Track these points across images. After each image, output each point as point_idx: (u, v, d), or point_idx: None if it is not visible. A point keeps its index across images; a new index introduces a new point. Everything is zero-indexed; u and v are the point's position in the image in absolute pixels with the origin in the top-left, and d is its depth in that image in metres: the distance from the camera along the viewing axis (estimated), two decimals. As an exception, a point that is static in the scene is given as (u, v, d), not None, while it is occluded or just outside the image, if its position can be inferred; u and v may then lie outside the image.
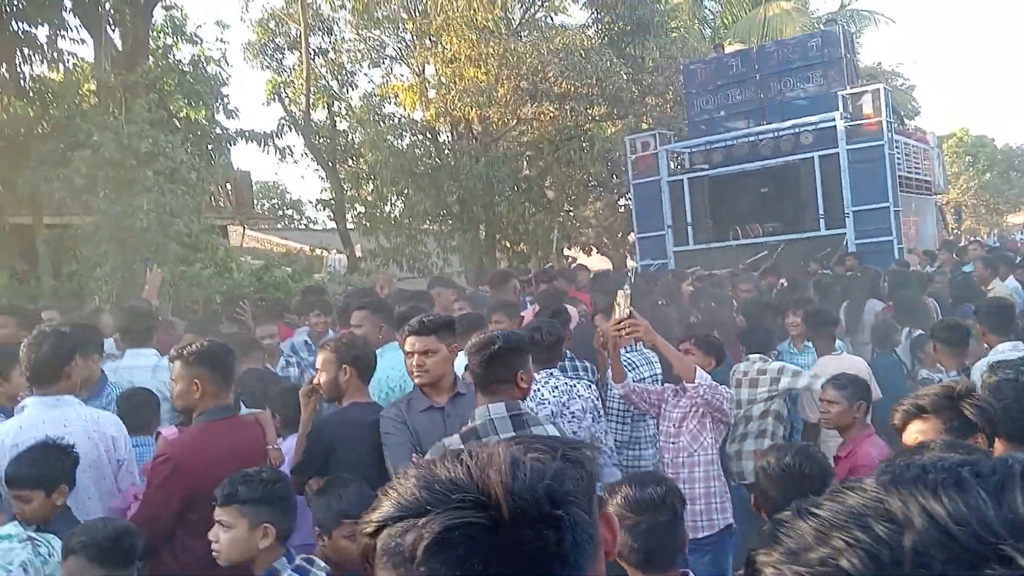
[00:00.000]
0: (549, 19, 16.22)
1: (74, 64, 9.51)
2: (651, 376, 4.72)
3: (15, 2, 9.20)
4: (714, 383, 4.06)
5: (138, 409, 3.91)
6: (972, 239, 14.49)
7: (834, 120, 11.53)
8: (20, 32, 9.30)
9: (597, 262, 17.62)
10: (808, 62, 12.93)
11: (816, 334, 5.51)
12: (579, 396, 3.89)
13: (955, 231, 25.49)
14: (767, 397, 4.86)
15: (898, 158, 11.93)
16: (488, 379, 2.94)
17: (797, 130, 12.05)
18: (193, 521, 2.96)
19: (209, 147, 11.49)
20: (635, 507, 2.33)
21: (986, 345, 4.72)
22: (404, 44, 16.01)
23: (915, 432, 2.39)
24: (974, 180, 34.19)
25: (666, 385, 4.37)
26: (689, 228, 12.71)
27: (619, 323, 3.80)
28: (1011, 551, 0.56)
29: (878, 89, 11.65)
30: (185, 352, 3.19)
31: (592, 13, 16.79)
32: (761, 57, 13.60)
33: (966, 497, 0.60)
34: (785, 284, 8.37)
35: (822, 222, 11.53)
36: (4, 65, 9.30)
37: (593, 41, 14.77)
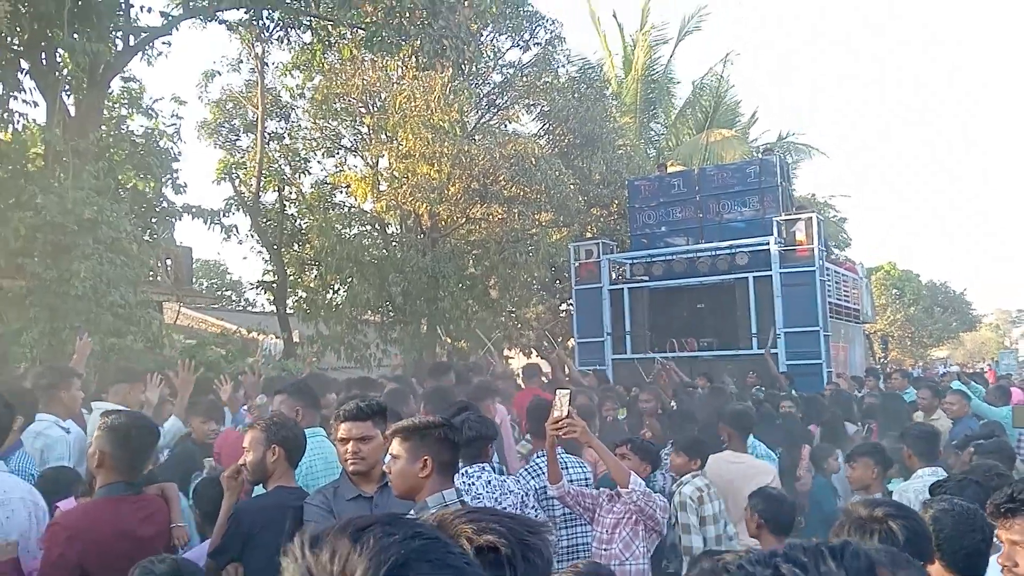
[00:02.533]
0: (503, 126, 16.75)
1: (24, 126, 9.41)
2: (582, 480, 4.70)
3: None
4: (648, 490, 4.06)
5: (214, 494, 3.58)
6: (896, 368, 15.00)
7: (768, 244, 12.02)
8: (-30, 90, 9.20)
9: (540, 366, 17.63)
10: (746, 187, 13.56)
11: (736, 432, 5.37)
12: (510, 492, 3.84)
13: (882, 360, 26.40)
14: None
15: (829, 285, 12.44)
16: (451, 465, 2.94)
17: (733, 250, 12.52)
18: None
19: (153, 220, 11.37)
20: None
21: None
22: (360, 136, 16.28)
23: None
24: (900, 312, 35.62)
25: (602, 489, 4.34)
26: (627, 337, 12.94)
27: (557, 422, 3.80)
28: None
29: (811, 217, 12.23)
30: (100, 424, 3.12)
31: (544, 125, 17.44)
32: (702, 179, 14.23)
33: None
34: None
35: (754, 341, 11.84)
36: (-49, 121, 9.15)
37: (544, 150, 15.26)
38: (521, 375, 9.18)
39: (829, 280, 12.54)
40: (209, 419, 5.28)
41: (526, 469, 4.69)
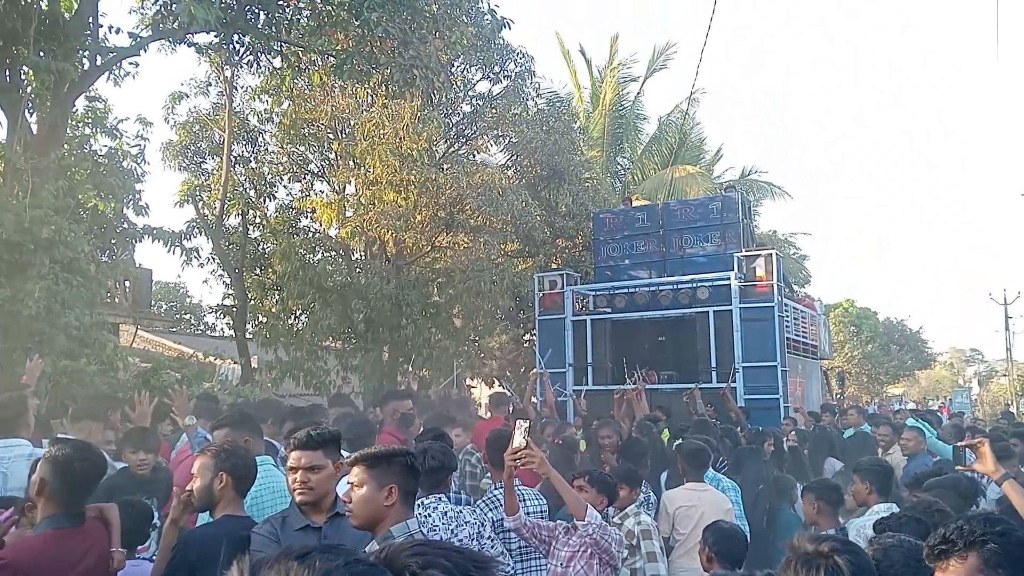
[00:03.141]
0: (471, 156, 16.86)
1: (-16, 143, 9.27)
2: (538, 512, 4.70)
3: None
4: (604, 523, 4.07)
5: (141, 522, 3.58)
6: (851, 405, 15.24)
7: (729, 279, 12.20)
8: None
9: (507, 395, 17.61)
10: (708, 223, 13.78)
11: (690, 467, 5.69)
12: (466, 523, 3.82)
13: (839, 396, 26.74)
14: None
15: (787, 321, 12.62)
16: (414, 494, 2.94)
17: (695, 285, 12.69)
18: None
19: (113, 241, 11.21)
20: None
21: (860, 504, 4.90)
22: (327, 162, 16.27)
23: None
24: (858, 350, 36.17)
25: (558, 522, 4.35)
26: (589, 368, 12.99)
27: (515, 453, 3.81)
28: None
29: (771, 254, 12.45)
30: (45, 454, 3.07)
31: (512, 156, 17.58)
32: (666, 213, 14.44)
33: None
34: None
35: (714, 375, 11.95)
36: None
37: (511, 181, 15.38)
38: (488, 403, 9.15)
39: (788, 316, 12.73)
40: (139, 449, 4.85)
41: (484, 500, 4.68)
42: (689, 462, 5.67)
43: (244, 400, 9.05)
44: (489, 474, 5.84)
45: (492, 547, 3.96)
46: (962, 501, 4.48)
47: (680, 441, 6.59)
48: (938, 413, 18.13)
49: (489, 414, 8.66)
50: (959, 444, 4.53)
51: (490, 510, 4.44)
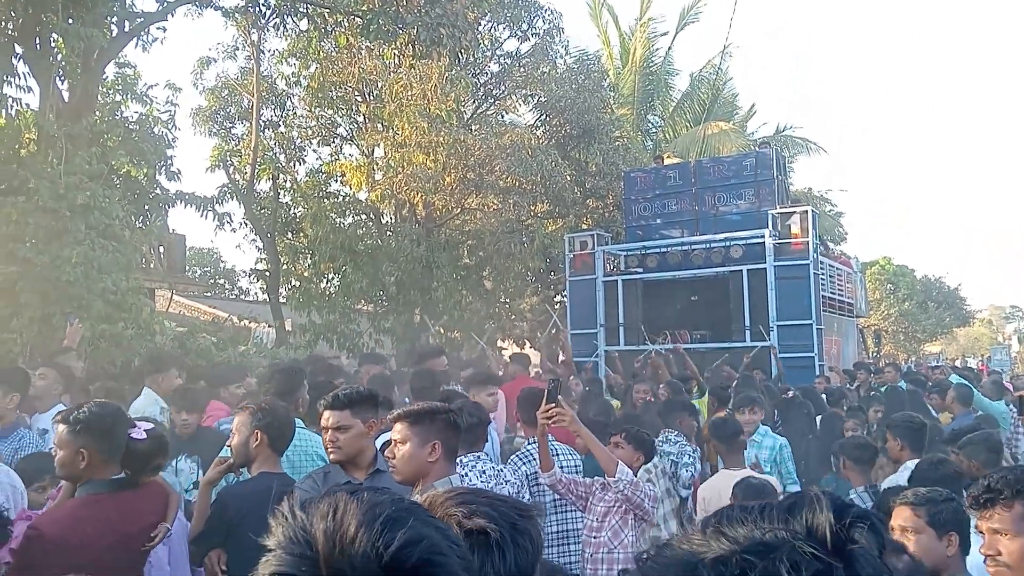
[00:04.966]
0: (500, 116, 16.72)
1: (17, 111, 9.35)
2: (572, 467, 4.71)
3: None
4: (635, 480, 4.06)
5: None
6: (888, 362, 15.06)
7: (763, 237, 12.03)
8: (-37, 75, 9.14)
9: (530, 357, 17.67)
10: (742, 180, 13.57)
11: (725, 447, 5.08)
12: (507, 482, 3.84)
13: (875, 354, 26.47)
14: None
15: (822, 279, 12.45)
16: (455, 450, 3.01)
17: (728, 243, 12.54)
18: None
19: (147, 207, 11.33)
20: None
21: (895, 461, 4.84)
22: (356, 125, 16.25)
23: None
24: (894, 307, 35.61)
25: (595, 478, 4.35)
26: (621, 328, 12.94)
27: (547, 411, 3.81)
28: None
29: (806, 211, 12.24)
30: (71, 418, 2.86)
31: (541, 115, 17.40)
32: (698, 171, 14.23)
33: (752, 524, 0.79)
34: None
35: (748, 333, 11.85)
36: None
37: (540, 141, 15.25)
38: (511, 363, 9.16)
39: (823, 274, 12.56)
40: (181, 409, 4.78)
41: (518, 455, 4.71)
42: (719, 438, 5.11)
43: (279, 362, 9.14)
44: (522, 432, 5.87)
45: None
46: (992, 455, 4.45)
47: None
48: (977, 371, 17.86)
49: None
50: (1019, 394, 4.54)
51: (523, 464, 4.47)
